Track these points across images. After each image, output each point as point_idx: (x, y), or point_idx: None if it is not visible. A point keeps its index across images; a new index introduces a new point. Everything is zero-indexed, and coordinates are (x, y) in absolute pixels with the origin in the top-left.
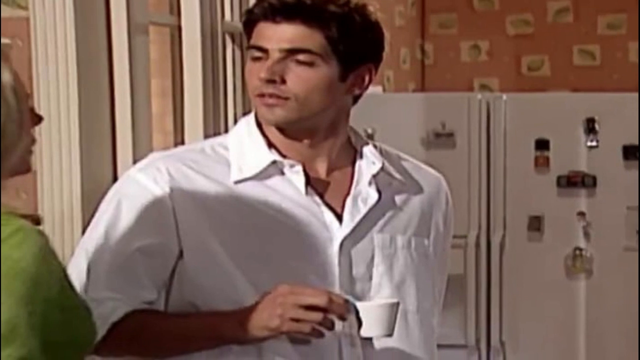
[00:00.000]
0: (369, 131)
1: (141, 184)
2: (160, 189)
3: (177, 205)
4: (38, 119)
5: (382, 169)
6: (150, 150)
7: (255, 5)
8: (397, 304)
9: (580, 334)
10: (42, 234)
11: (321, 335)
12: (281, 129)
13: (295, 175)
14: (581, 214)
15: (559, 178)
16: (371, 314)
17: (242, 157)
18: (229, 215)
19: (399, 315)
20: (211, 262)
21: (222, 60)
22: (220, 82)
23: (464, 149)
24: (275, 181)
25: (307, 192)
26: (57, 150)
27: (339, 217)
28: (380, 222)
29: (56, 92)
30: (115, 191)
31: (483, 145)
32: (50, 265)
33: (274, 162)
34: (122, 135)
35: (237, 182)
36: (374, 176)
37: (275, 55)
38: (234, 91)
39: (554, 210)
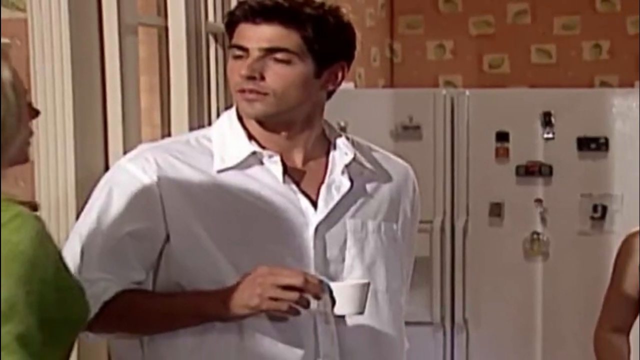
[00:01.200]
0: (342, 124)
1: (131, 173)
2: (148, 177)
3: (164, 192)
4: (35, 113)
5: (354, 159)
6: (139, 142)
7: (237, 7)
8: (368, 284)
9: (537, 312)
10: (39, 219)
11: (297, 313)
12: (260, 122)
13: (274, 165)
14: (538, 201)
15: (517, 167)
16: (344, 294)
17: (224, 148)
18: (212, 202)
19: (369, 295)
20: (195, 245)
21: (206, 59)
22: (204, 79)
23: (430, 140)
24: (255, 170)
25: (284, 181)
26: (52, 141)
27: (314, 204)
28: (352, 208)
29: (52, 88)
30: (107, 180)
31: (447, 137)
32: (46, 248)
33: (254, 152)
34: (113, 128)
35: (220, 171)
36: (347, 166)
37: (255, 53)
38: (216, 87)
39: (513, 198)
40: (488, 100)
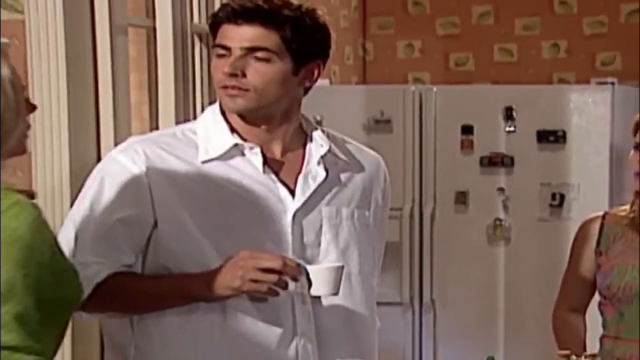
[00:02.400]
0: (318, 118)
1: (121, 163)
2: (137, 168)
3: (152, 182)
4: (32, 108)
5: (329, 150)
6: (129, 134)
7: (220, 9)
8: (342, 267)
9: (500, 293)
10: (36, 206)
11: (276, 294)
12: (242, 116)
13: (254, 156)
14: (501, 190)
15: (481, 158)
16: (319, 276)
17: (208, 140)
18: (197, 190)
19: (343, 277)
20: (182, 231)
21: (191, 57)
22: (189, 76)
23: (400, 133)
24: (237, 161)
25: (264, 171)
26: (48, 134)
27: (292, 192)
28: (328, 197)
29: (48, 85)
30: (99, 170)
31: (416, 130)
32: (43, 234)
33: (236, 144)
34: (105, 122)
35: (204, 162)
36: (322, 157)
37: (237, 52)
38: (201, 84)
39: (477, 186)
40: (454, 95)
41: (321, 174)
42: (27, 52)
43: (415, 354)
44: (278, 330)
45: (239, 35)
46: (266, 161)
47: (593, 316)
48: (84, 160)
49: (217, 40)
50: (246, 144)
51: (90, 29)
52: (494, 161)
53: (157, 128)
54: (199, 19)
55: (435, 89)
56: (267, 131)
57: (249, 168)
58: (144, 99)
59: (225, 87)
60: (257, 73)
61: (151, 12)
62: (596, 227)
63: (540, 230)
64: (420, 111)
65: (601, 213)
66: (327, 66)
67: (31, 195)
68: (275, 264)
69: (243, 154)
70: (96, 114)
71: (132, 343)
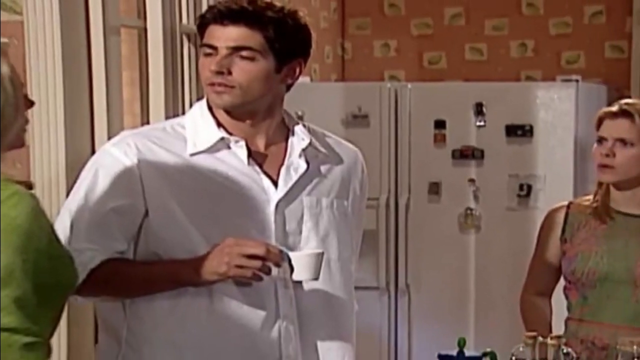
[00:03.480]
0: (299, 113)
1: (114, 156)
2: (129, 160)
3: (144, 173)
4: (30, 104)
5: (310, 144)
6: (122, 129)
7: (207, 11)
8: (322, 253)
9: (470, 278)
10: (33, 196)
11: (260, 279)
12: (228, 112)
13: (239, 149)
14: (471, 181)
15: (453, 151)
16: (301, 262)
17: (196, 134)
18: (186, 181)
19: (323, 263)
20: (171, 220)
21: (180, 56)
22: (178, 74)
23: (376, 128)
24: (223, 154)
25: (249, 163)
26: (45, 128)
27: (275, 183)
28: (309, 187)
29: (45, 82)
30: (93, 162)
31: (392, 125)
32: (40, 222)
33: (222, 138)
34: (99, 117)
35: (192, 154)
36: (304, 150)
37: (223, 51)
38: (189, 81)
39: (450, 178)
40: (427, 92)
41: (302, 166)
42: (26, 51)
43: (391, 335)
44: (262, 313)
45: (225, 36)
46: (250, 154)
47: (558, 300)
48: (79, 153)
49: (205, 40)
50: (232, 138)
51: (84, 29)
52: (465, 154)
53: (148, 123)
54: (187, 20)
55: (409, 85)
56: (251, 125)
57: (234, 160)
58: (136, 96)
59: (212, 84)
60: (242, 71)
61: (142, 13)
62: (561, 215)
63: (508, 219)
64: (396, 107)
65: (566, 202)
66: (308, 64)
67: (29, 186)
68: (259, 251)
69: (229, 147)
70: (90, 110)
71: (124, 325)
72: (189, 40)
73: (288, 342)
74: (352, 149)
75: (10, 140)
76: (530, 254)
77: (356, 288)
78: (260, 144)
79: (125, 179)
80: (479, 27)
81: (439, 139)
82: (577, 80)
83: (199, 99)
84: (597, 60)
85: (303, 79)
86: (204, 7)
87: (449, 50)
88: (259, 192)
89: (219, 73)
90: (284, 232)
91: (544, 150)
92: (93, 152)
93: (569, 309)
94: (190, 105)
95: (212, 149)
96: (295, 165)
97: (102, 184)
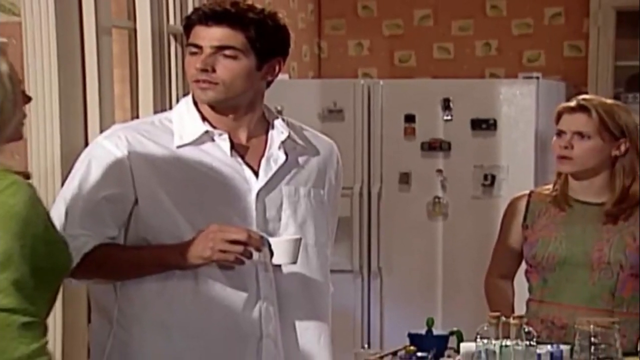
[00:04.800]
0: (279, 108)
1: (106, 148)
2: (120, 152)
3: (133, 164)
4: (28, 99)
5: (289, 136)
6: (113, 123)
7: (193, 12)
8: (300, 239)
9: (438, 262)
10: (31, 185)
11: (242, 263)
12: (212, 106)
13: (223, 142)
14: (439, 171)
15: (422, 144)
16: (280, 247)
17: (182, 127)
18: (173, 171)
19: (301, 248)
20: (159, 208)
21: (167, 55)
22: (166, 71)
23: (351, 121)
24: (207, 146)
25: (231, 155)
26: (42, 122)
27: (256, 173)
28: (287, 177)
29: (42, 79)
30: (87, 154)
31: (365, 119)
32: (37, 210)
33: (207, 131)
34: (92, 112)
35: (179, 146)
36: (283, 142)
37: (207, 50)
38: (176, 78)
39: (419, 168)
40: (398, 88)
41: (281, 157)
42: (23, 50)
43: (364, 315)
44: (244, 295)
45: (209, 36)
46: (233, 146)
47: (520, 282)
48: (73, 145)
49: (190, 40)
50: (216, 131)
51: (78, 30)
52: (433, 146)
53: (137, 117)
54: (174, 21)
55: (381, 82)
56: (234, 120)
57: (218, 152)
58: (126, 92)
59: (197, 81)
60: (225, 69)
61: (132, 15)
62: (523, 203)
63: (473, 207)
64: (369, 102)
65: (527, 191)
66: (287, 62)
67: (27, 176)
68: (241, 236)
69: (213, 140)
70: (84, 105)
71: (115, 306)
72: (176, 40)
73: (268, 321)
74: (328, 141)
75: (9, 133)
76: (494, 240)
77: (331, 271)
78: (242, 136)
79: (116, 170)
80: (446, 28)
81: (409, 132)
82: (537, 78)
83: (185, 94)
84: (556, 59)
85: (282, 76)
86: (190, 9)
87: (418, 49)
88: (241, 181)
89: (204, 70)
90: (264, 219)
91: (507, 143)
92: (86, 144)
93: (530, 290)
94: (177, 101)
95: (197, 142)
96: (274, 156)
97: (95, 174)
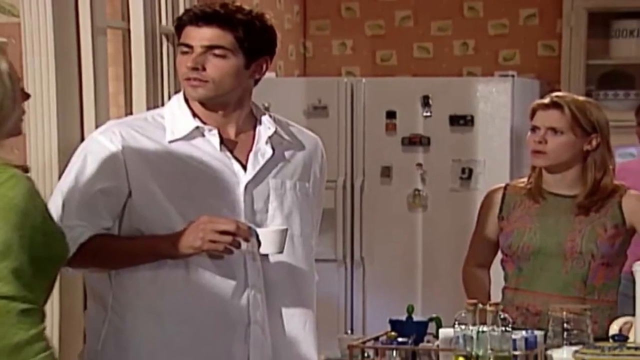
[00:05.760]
0: (266, 105)
1: (101, 143)
2: (115, 146)
3: (127, 158)
4: (27, 96)
5: (276, 132)
6: (108, 119)
7: (184, 14)
8: (286, 229)
9: (418, 251)
10: (29, 179)
11: (231, 252)
12: (202, 103)
13: (213, 137)
14: (419, 165)
15: (403, 139)
16: (267, 237)
17: (174, 123)
18: (165, 165)
19: (287, 238)
20: (152, 200)
21: (160, 54)
22: (158, 70)
23: (335, 118)
24: (198, 141)
25: (221, 149)
26: (40, 118)
27: (244, 167)
28: (274, 171)
29: (40, 77)
30: (83, 148)
31: (348, 115)
32: (35, 202)
33: (197, 127)
34: (87, 108)
35: (171, 141)
36: (270, 137)
37: (198, 50)
38: (168, 76)
39: (400, 162)
40: (380, 86)
41: (269, 151)
42: (22, 50)
43: (347, 303)
44: (232, 283)
45: (200, 36)
46: (222, 141)
47: (496, 271)
48: (70, 140)
49: (182, 40)
50: (206, 127)
51: (75, 30)
52: (413, 141)
53: (131, 113)
54: (166, 22)
55: (364, 80)
56: (223, 116)
57: (208, 147)
58: (120, 89)
59: (188, 79)
60: (215, 67)
61: (126, 16)
62: (499, 196)
63: (452, 199)
64: (352, 99)
65: (503, 184)
66: (274, 61)
67: (25, 169)
68: (230, 227)
69: (203, 135)
70: (80, 102)
71: (110, 293)
72: (168, 40)
73: (256, 308)
74: (313, 136)
75: (8, 129)
76: (471, 230)
77: (316, 260)
78: (231, 132)
79: (111, 164)
80: (425, 28)
81: (390, 128)
82: (513, 76)
83: (176, 92)
84: (530, 58)
85: (269, 74)
86: (181, 10)
87: (399, 49)
88: (230, 175)
89: (195, 69)
90: (252, 211)
91: (484, 138)
92: (82, 139)
93: (505, 279)
94: (169, 98)
95: (188, 137)
96: (262, 151)
97: (91, 167)
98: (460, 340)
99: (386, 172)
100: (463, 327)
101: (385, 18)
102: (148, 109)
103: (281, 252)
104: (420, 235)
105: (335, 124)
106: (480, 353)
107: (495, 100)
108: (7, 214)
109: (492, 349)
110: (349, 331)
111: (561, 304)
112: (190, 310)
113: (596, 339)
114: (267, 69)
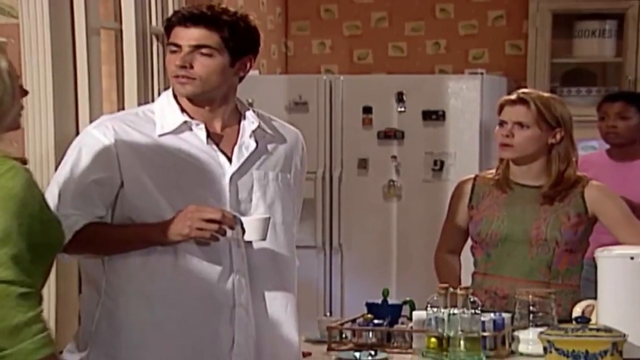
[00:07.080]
0: (250, 101)
1: (95, 136)
2: (108, 140)
3: (120, 151)
4: (25, 93)
5: (259, 126)
6: (101, 114)
7: (173, 15)
8: (269, 218)
9: (393, 239)
10: (28, 170)
11: (217, 239)
12: (190, 99)
13: (200, 131)
14: (394, 157)
15: (378, 132)
16: (251, 225)
17: (163, 118)
18: (155, 158)
19: (270, 226)
20: (142, 190)
21: (150, 53)
22: (148, 68)
23: (314, 113)
24: (186, 135)
25: (207, 142)
26: (37, 113)
27: (229, 159)
28: (257, 163)
29: (37, 74)
30: (77, 142)
31: (327, 110)
32: (33, 192)
33: (185, 121)
34: (82, 104)
35: (160, 135)
36: (253, 131)
37: (186, 49)
38: (157, 74)
39: (375, 155)
40: (357, 83)
41: (252, 144)
42: (21, 49)
43: (327, 286)
44: (218, 268)
45: (188, 36)
46: (209, 135)
47: (466, 257)
48: (66, 134)
49: (171, 40)
50: (193, 121)
51: (70, 30)
52: (388, 135)
53: (123, 109)
54: (156, 23)
55: (342, 77)
56: (209, 111)
57: (195, 140)
58: (113, 86)
59: (177, 77)
60: (202, 65)
61: (118, 17)
62: (469, 186)
63: (424, 189)
64: (330, 95)
65: (473, 175)
66: (257, 60)
67: (24, 161)
68: (216, 216)
69: (191, 129)
70: (75, 98)
71: (103, 278)
72: (158, 40)
73: (240, 292)
74: (294, 130)
75: (8, 123)
76: (443, 219)
77: (297, 247)
78: (217, 126)
79: (104, 156)
80: (400, 29)
81: (367, 122)
82: (482, 73)
83: (165, 88)
84: (498, 57)
85: (253, 72)
86: (171, 12)
87: (374, 48)
88: (216, 166)
89: (183, 67)
90: (237, 200)
91: (455, 132)
92: (77, 133)
93: (475, 264)
94: (159, 94)
95: (176, 131)
96: (246, 144)
97: (85, 160)
98: (433, 322)
99: (363, 164)
100: (435, 309)
101: (362, 19)
102: (139, 104)
103: (264, 239)
104: (395, 223)
105: (315, 119)
106: (451, 334)
107: (465, 96)
108: (7, 203)
109: (462, 330)
110: (328, 313)
111: (527, 288)
112: (179, 293)
113: (560, 321)
114: (251, 67)
